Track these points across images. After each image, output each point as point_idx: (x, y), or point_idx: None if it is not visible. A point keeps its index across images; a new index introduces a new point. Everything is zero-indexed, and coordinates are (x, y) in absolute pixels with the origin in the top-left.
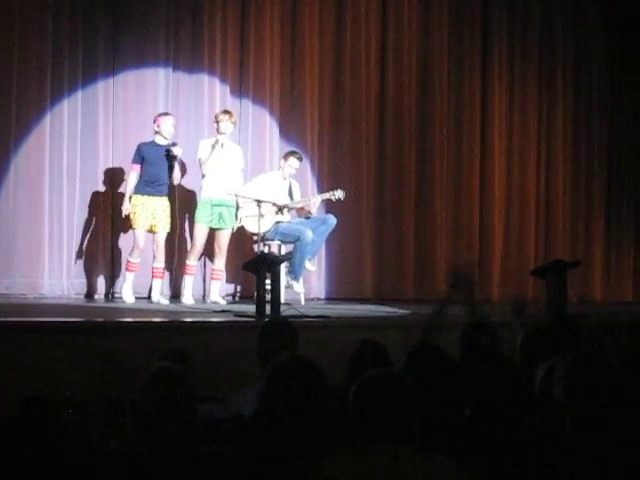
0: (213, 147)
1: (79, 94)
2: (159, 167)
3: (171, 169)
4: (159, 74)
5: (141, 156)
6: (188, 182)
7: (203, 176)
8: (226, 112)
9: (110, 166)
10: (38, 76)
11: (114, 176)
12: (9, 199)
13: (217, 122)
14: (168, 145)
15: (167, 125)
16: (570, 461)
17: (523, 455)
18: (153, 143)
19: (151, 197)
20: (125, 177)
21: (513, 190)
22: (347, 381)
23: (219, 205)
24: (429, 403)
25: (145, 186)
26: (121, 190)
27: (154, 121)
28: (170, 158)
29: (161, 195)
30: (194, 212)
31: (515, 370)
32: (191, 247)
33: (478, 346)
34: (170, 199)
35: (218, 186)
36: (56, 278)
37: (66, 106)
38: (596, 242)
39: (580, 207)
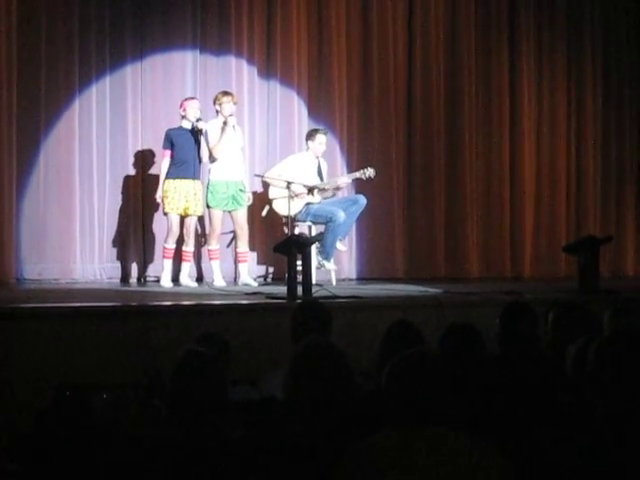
0: (223, 130)
1: (107, 78)
2: (189, 151)
3: (198, 145)
4: (186, 57)
5: (170, 141)
6: (204, 166)
7: (212, 160)
8: (226, 93)
9: (139, 149)
10: (66, 61)
11: (144, 159)
12: (39, 185)
13: (220, 104)
14: (193, 126)
15: (193, 109)
16: (602, 441)
17: (558, 436)
18: (180, 128)
19: (183, 180)
20: (154, 161)
21: (544, 167)
22: (380, 362)
23: (231, 187)
24: (463, 384)
25: (176, 170)
26: (150, 174)
27: (180, 106)
28: (196, 134)
29: (193, 178)
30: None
31: (547, 357)
32: (210, 232)
33: (517, 332)
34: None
35: (229, 168)
36: (88, 263)
37: (94, 91)
38: (628, 217)
39: (611, 182)
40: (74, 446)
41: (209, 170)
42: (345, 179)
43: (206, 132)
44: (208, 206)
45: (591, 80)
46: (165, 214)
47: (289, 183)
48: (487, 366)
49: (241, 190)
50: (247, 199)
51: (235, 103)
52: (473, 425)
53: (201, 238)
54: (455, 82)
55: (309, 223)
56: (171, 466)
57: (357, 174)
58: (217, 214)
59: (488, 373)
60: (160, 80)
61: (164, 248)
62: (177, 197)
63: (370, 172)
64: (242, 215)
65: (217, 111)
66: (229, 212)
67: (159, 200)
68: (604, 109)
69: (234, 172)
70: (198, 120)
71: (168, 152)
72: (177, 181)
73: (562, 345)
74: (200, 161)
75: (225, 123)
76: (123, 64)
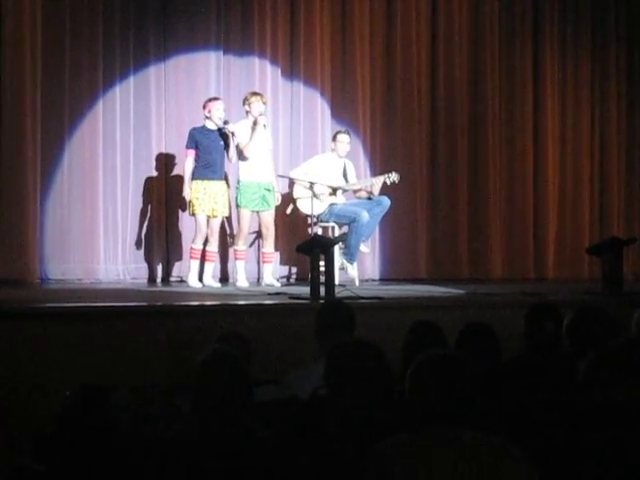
0: (253, 129)
1: (131, 79)
2: (214, 152)
3: (227, 147)
4: (210, 58)
5: (194, 141)
6: (232, 166)
7: (243, 160)
8: (255, 93)
9: (163, 150)
10: (90, 62)
11: (167, 160)
12: (64, 185)
13: (249, 104)
14: (219, 127)
15: (218, 110)
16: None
17: (581, 437)
18: (204, 129)
19: (211, 181)
20: (177, 161)
21: (567, 168)
22: (403, 362)
23: (261, 187)
24: (484, 384)
25: (204, 171)
26: (174, 174)
27: (204, 107)
28: (225, 137)
29: (220, 179)
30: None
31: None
32: (238, 232)
33: (542, 331)
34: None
35: (258, 168)
36: (111, 263)
37: (118, 91)
38: None
39: (635, 183)
40: (97, 446)
41: (238, 170)
42: (376, 181)
43: (235, 132)
44: (237, 206)
45: (615, 82)
46: (193, 215)
47: (312, 183)
48: (502, 366)
49: (269, 190)
50: (276, 199)
51: (264, 103)
52: (496, 427)
53: (228, 238)
54: (478, 83)
55: (332, 224)
56: (195, 466)
57: (381, 178)
58: (246, 214)
59: (507, 373)
60: (184, 81)
61: (191, 249)
62: (207, 199)
63: (394, 177)
64: (269, 216)
65: (247, 112)
66: (257, 212)
67: (187, 199)
68: (628, 111)
69: (263, 172)
70: (226, 122)
71: (192, 152)
72: (206, 182)
73: (580, 347)
74: (227, 159)
75: (255, 123)
76: (147, 65)
